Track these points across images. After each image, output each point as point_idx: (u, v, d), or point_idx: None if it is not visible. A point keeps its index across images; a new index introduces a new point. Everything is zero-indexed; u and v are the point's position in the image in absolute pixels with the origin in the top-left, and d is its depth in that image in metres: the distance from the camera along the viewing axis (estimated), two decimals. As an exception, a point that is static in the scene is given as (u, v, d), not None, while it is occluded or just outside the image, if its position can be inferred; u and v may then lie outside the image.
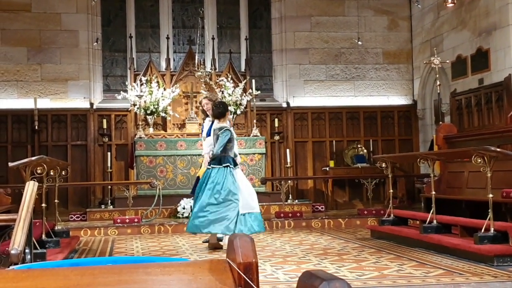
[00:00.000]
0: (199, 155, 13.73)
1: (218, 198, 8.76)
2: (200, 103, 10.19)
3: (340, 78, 16.34)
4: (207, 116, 9.92)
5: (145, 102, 14.31)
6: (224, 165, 8.94)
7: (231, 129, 9.27)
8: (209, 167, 9.07)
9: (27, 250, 5.25)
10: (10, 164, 7.56)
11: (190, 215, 9.78)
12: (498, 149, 7.24)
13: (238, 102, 14.67)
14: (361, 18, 16.38)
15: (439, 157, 9.63)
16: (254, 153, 14.09)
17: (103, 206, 13.72)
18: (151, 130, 14.48)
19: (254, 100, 14.95)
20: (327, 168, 15.47)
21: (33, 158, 7.84)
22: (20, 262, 4.48)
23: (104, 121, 14.91)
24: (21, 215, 4.87)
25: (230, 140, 9.00)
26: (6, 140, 14.83)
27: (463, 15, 14.11)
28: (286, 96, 16.18)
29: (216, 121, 9.25)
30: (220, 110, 9.20)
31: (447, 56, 14.30)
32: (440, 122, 12.89)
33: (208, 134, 9.54)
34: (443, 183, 9.79)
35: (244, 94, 14.81)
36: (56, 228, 9.62)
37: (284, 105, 16.08)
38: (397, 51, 16.61)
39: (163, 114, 14.51)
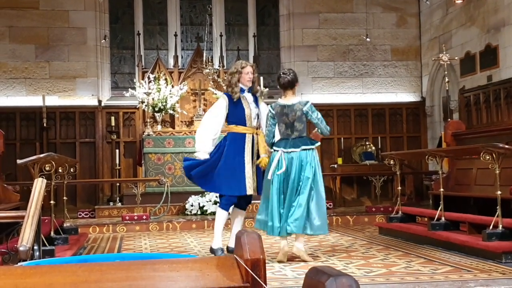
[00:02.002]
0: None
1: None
2: (237, 73, 7.79)
3: (348, 75, 16.31)
4: (230, 92, 7.86)
5: (153, 99, 14.32)
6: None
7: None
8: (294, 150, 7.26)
9: (35, 247, 5.27)
10: (19, 161, 7.59)
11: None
12: (507, 146, 7.21)
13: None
14: (369, 14, 16.34)
15: (447, 154, 9.61)
16: (262, 150, 14.05)
17: (111, 203, 13.76)
18: (159, 127, 14.49)
19: (263, 97, 14.92)
20: (335, 165, 15.45)
21: (42, 155, 7.87)
22: (28, 259, 4.49)
23: (112, 118, 14.94)
24: (30, 212, 4.88)
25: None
26: (14, 138, 14.87)
27: (472, 11, 14.06)
28: (294, 93, 16.13)
29: (281, 98, 7.49)
30: (290, 78, 7.34)
31: (456, 53, 14.25)
32: (449, 119, 12.85)
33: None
34: (451, 180, 9.77)
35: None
36: (64, 225, 9.65)
37: (292, 102, 16.04)
38: (406, 48, 16.57)
39: (171, 112, 14.52)
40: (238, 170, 7.64)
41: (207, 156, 7.67)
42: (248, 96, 7.91)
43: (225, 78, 8.09)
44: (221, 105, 7.85)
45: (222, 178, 7.60)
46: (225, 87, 8.15)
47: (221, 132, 7.92)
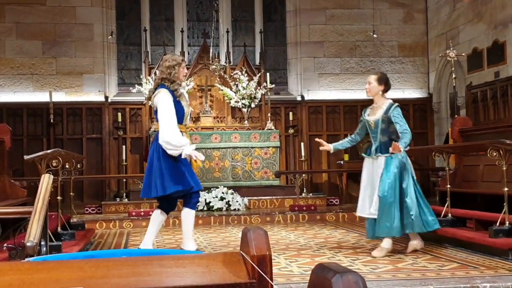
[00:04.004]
0: (214, 148, 13.78)
1: None
2: (177, 65, 7.30)
3: (355, 71, 16.30)
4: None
5: (159, 95, 14.30)
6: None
7: None
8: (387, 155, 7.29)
9: (42, 243, 5.28)
10: (26, 157, 7.60)
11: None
12: (514, 143, 7.19)
13: (252, 96, 14.67)
14: (376, 10, 16.32)
15: (454, 151, 9.59)
16: (268, 147, 14.08)
17: (118, 199, 13.77)
18: (165, 123, 14.47)
19: (269, 94, 14.96)
20: (342, 162, 15.43)
21: (49, 151, 7.88)
22: (35, 254, 4.50)
23: (119, 114, 14.96)
24: (37, 207, 4.89)
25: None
26: (21, 133, 14.90)
27: (479, 7, 14.03)
28: (300, 89, 16.16)
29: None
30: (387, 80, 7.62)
31: (463, 49, 14.23)
32: (456, 116, 12.82)
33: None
34: (458, 176, 9.74)
35: (259, 88, 14.80)
36: (71, 220, 9.67)
37: (299, 98, 16.07)
38: (413, 44, 16.55)
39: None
40: (189, 165, 7.25)
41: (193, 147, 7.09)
42: (185, 92, 7.52)
43: (163, 70, 7.25)
44: (170, 101, 7.11)
45: (188, 175, 7.17)
46: (161, 81, 7.26)
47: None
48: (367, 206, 7.35)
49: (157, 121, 7.32)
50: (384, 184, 7.10)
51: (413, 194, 7.19)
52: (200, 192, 12.84)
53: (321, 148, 7.91)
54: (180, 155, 7.01)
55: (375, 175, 7.32)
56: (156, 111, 7.27)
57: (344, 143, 8.05)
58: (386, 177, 7.13)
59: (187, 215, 7.48)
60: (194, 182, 7.23)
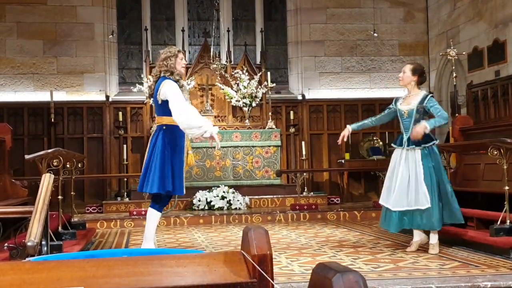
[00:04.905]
0: (214, 147, 13.77)
1: None
2: (174, 56, 7.23)
3: (356, 70, 16.30)
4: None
5: (160, 94, 14.32)
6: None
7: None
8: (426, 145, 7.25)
9: (43, 242, 5.28)
10: (27, 156, 7.60)
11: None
12: (515, 141, 7.18)
13: (253, 95, 14.66)
14: (376, 9, 16.32)
15: (455, 149, 9.59)
16: (269, 146, 14.09)
17: (119, 198, 13.78)
18: (166, 122, 14.48)
19: (270, 93, 14.96)
20: (343, 161, 15.43)
21: (49, 150, 7.88)
22: (36, 254, 4.51)
23: (120, 113, 14.98)
24: (38, 207, 4.90)
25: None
26: (22, 133, 14.91)
27: (480, 6, 14.02)
28: (301, 88, 16.16)
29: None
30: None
31: (464, 48, 14.23)
32: (456, 114, 12.82)
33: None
34: (459, 175, 9.74)
35: (260, 87, 14.80)
36: (72, 220, 9.67)
37: (300, 97, 16.07)
38: (413, 43, 16.55)
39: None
40: (182, 168, 7.18)
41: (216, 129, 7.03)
42: (186, 85, 7.41)
43: (160, 64, 7.17)
44: (178, 88, 7.00)
45: (176, 178, 7.07)
46: (160, 73, 7.17)
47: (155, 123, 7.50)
48: (385, 196, 7.44)
49: (158, 114, 7.24)
50: (427, 179, 7.13)
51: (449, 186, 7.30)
52: (201, 191, 12.92)
53: (343, 138, 7.80)
54: (182, 151, 7.02)
55: (402, 167, 7.28)
56: (158, 105, 7.16)
57: (364, 124, 8.02)
58: (428, 172, 7.15)
59: (154, 215, 7.33)
60: (180, 187, 7.15)
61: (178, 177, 7.11)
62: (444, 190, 7.22)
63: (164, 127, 7.09)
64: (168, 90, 6.97)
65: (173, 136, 7.08)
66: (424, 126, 7.02)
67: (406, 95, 7.58)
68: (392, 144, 7.67)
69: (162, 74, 7.17)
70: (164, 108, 7.05)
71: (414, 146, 7.24)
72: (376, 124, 8.10)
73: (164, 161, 7.00)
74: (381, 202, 7.60)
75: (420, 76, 7.48)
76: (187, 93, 7.36)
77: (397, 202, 7.25)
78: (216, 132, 7.01)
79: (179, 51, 7.33)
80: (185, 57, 7.58)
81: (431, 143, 7.26)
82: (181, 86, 7.12)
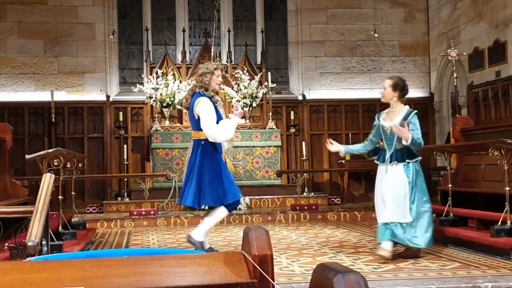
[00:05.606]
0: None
1: None
2: (209, 73, 7.44)
3: (356, 70, 16.30)
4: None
5: (161, 94, 14.35)
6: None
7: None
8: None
9: (43, 242, 5.28)
10: (27, 156, 7.60)
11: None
12: (515, 142, 7.17)
13: (254, 95, 14.66)
14: (377, 10, 16.31)
15: (455, 150, 9.58)
16: (270, 146, 14.09)
17: (119, 199, 13.78)
18: (167, 122, 14.51)
19: (270, 93, 14.95)
20: (343, 161, 15.42)
21: (50, 150, 7.88)
22: (37, 254, 4.51)
23: (121, 113, 14.98)
24: (38, 207, 4.90)
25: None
26: (23, 133, 14.91)
27: (480, 7, 14.02)
28: (302, 88, 16.16)
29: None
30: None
31: (464, 49, 14.23)
32: (457, 115, 12.82)
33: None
34: (459, 176, 9.74)
35: (260, 87, 14.80)
36: (72, 220, 9.67)
37: (300, 97, 16.07)
38: (414, 44, 16.54)
39: (179, 107, 14.51)
40: (228, 173, 7.36)
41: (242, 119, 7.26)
42: (219, 100, 7.56)
43: (197, 79, 7.46)
44: (211, 107, 7.23)
45: (233, 185, 7.30)
46: (197, 89, 7.43)
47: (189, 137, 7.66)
48: (380, 211, 7.06)
49: (195, 129, 7.39)
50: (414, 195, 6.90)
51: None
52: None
53: (332, 148, 7.50)
54: (221, 160, 7.26)
55: (386, 181, 7.03)
56: (195, 120, 7.32)
57: (358, 148, 7.77)
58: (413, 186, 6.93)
59: (222, 212, 7.44)
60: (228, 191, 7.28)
61: (228, 183, 7.26)
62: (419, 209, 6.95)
63: (202, 142, 7.27)
64: (202, 109, 7.21)
65: (211, 149, 7.26)
66: (407, 137, 6.80)
67: (389, 110, 7.31)
68: (375, 161, 7.42)
69: (197, 90, 7.41)
70: (200, 123, 7.24)
71: (396, 162, 7.03)
72: (370, 149, 7.76)
73: (201, 176, 7.18)
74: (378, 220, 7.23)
75: (402, 91, 7.19)
76: (222, 107, 7.52)
77: (384, 215, 6.96)
78: (238, 121, 7.28)
79: (215, 69, 7.47)
80: (222, 73, 7.71)
81: (414, 160, 7.06)
82: (215, 102, 7.33)
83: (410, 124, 7.02)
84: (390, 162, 7.08)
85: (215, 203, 7.25)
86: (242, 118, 7.38)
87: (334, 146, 7.49)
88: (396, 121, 7.08)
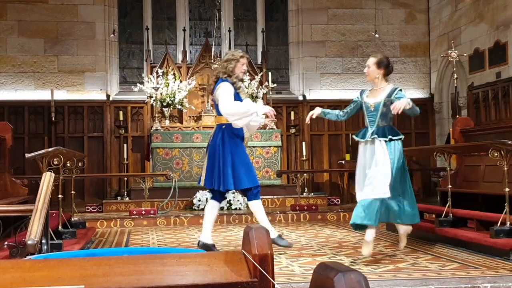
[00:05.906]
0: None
1: None
2: (234, 60, 7.41)
3: (357, 71, 16.29)
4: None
5: (161, 94, 14.34)
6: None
7: None
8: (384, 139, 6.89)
9: (43, 241, 5.28)
10: (27, 155, 7.60)
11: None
12: (515, 143, 7.18)
13: (254, 95, 14.65)
14: (378, 10, 16.31)
15: (455, 151, 9.58)
16: (270, 146, 14.09)
17: (119, 198, 13.78)
18: (167, 122, 14.51)
19: (270, 93, 14.95)
20: (343, 161, 15.43)
21: (50, 149, 7.87)
22: (36, 253, 4.51)
23: (121, 113, 14.98)
24: (38, 206, 4.90)
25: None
26: (23, 131, 14.91)
27: (481, 8, 14.02)
28: (302, 89, 16.17)
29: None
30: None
31: (465, 50, 14.23)
32: (457, 116, 12.82)
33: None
34: (459, 176, 9.74)
35: (260, 87, 14.80)
36: (72, 219, 9.67)
37: (300, 98, 16.07)
38: (414, 44, 16.55)
39: (179, 107, 14.52)
40: (248, 160, 7.53)
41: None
42: (244, 87, 7.65)
43: (221, 64, 7.50)
44: (231, 91, 7.30)
45: (244, 171, 7.34)
46: (220, 75, 7.46)
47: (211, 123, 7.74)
48: (361, 188, 6.98)
49: (217, 114, 7.47)
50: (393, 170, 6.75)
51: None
52: (202, 191, 12.93)
53: (312, 115, 7.57)
54: (242, 145, 7.38)
55: (368, 157, 6.96)
56: (216, 105, 7.43)
57: (333, 114, 7.73)
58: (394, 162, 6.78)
59: (259, 205, 7.47)
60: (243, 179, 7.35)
61: (246, 169, 7.35)
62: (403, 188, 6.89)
63: (223, 126, 7.38)
64: (221, 92, 7.30)
65: (233, 133, 7.35)
66: (405, 102, 6.59)
67: (372, 88, 7.23)
68: (354, 137, 7.27)
69: (220, 75, 7.45)
70: None
71: (378, 137, 6.85)
72: (343, 119, 7.65)
73: (225, 160, 7.27)
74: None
75: (386, 68, 7.09)
76: (245, 95, 7.56)
77: (366, 191, 6.81)
78: (263, 108, 7.42)
79: (241, 57, 7.51)
80: (247, 62, 7.73)
81: (396, 138, 6.88)
82: (238, 88, 7.40)
83: (397, 98, 6.84)
84: (371, 136, 6.92)
85: (252, 183, 7.33)
86: (270, 123, 7.61)
87: (313, 114, 7.57)
88: (380, 98, 7.01)
